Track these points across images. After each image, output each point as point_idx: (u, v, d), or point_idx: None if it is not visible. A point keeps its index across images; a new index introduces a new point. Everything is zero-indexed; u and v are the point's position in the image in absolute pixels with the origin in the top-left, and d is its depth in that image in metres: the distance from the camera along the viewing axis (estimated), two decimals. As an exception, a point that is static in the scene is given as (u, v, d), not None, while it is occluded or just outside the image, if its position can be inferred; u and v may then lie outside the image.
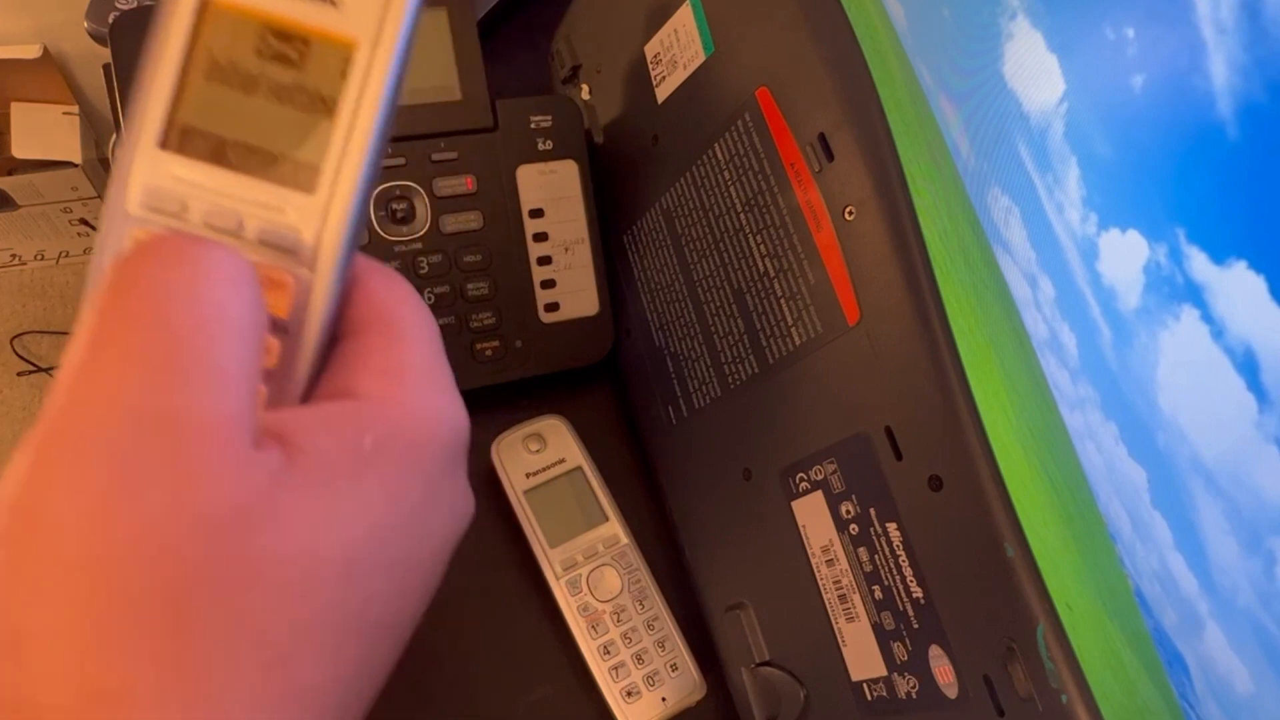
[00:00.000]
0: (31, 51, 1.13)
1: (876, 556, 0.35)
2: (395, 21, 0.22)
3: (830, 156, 0.34)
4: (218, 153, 0.22)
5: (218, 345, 0.18)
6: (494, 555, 0.48)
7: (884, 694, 0.35)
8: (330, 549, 0.19)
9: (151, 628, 0.16)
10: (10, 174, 1.22)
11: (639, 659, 0.46)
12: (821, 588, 0.38)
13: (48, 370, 1.34)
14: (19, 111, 1.20)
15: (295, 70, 0.22)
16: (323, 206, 0.22)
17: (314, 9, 0.21)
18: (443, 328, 0.47)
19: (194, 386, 0.18)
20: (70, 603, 0.16)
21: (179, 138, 0.22)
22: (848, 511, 0.36)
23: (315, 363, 0.23)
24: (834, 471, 0.36)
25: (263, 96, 0.22)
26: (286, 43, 0.22)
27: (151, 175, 0.22)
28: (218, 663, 0.17)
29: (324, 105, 0.22)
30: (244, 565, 0.17)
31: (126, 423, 0.17)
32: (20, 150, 1.19)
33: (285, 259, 0.22)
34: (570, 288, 0.49)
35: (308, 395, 0.22)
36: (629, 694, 0.45)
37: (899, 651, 0.34)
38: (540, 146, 0.49)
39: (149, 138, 0.22)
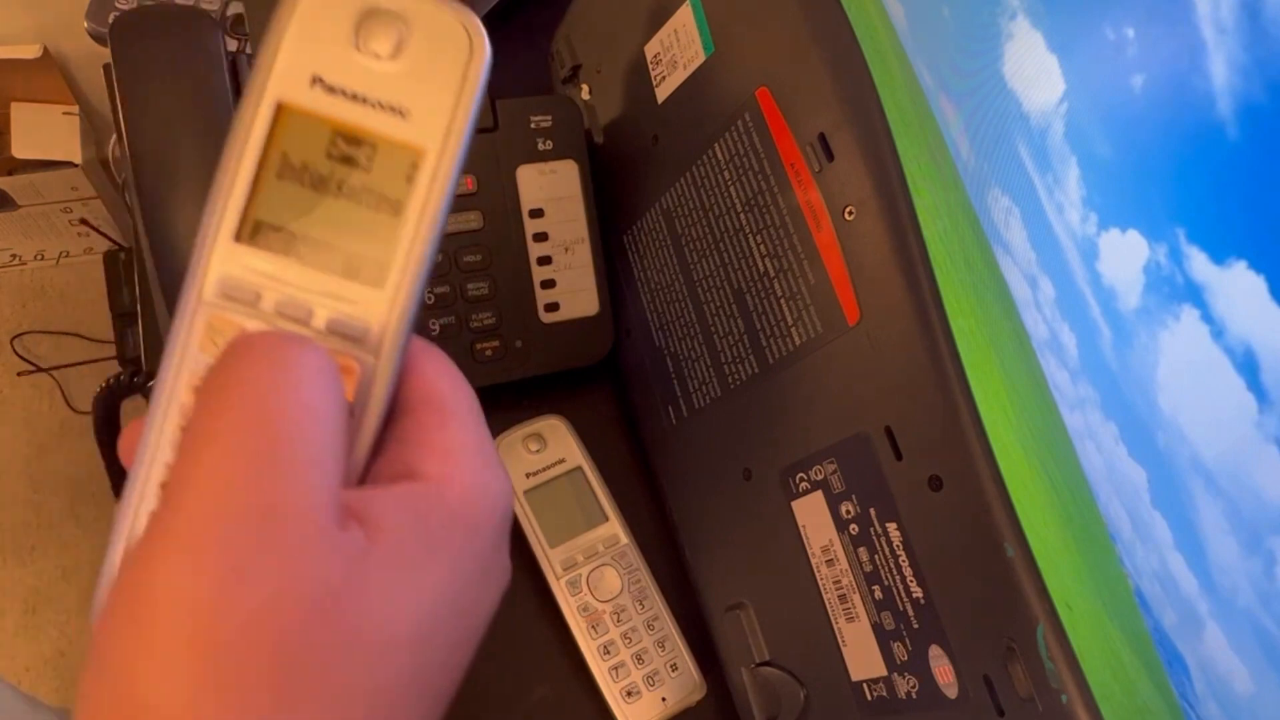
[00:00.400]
0: (31, 51, 1.13)
1: (876, 556, 0.35)
2: (459, 131, 0.23)
3: (830, 156, 0.34)
4: (289, 246, 0.23)
5: (311, 437, 0.20)
6: (494, 555, 0.48)
7: (884, 694, 0.35)
8: (406, 623, 0.21)
9: (261, 700, 0.19)
10: (10, 174, 1.22)
11: (639, 659, 0.46)
12: (821, 588, 0.38)
13: (48, 370, 1.34)
14: (19, 111, 1.20)
15: (363, 172, 0.23)
16: (390, 299, 0.23)
17: (385, 118, 0.23)
18: (442, 328, 0.47)
19: (293, 479, 0.20)
20: (190, 679, 0.18)
21: (253, 232, 0.23)
22: (848, 511, 0.36)
23: (375, 441, 0.24)
24: (834, 471, 0.36)
25: (332, 195, 0.23)
26: (356, 147, 0.23)
27: (227, 266, 0.23)
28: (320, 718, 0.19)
29: (390, 205, 0.24)
30: (337, 640, 0.19)
31: (235, 516, 0.19)
32: (20, 150, 1.19)
33: (351, 346, 0.24)
34: (570, 288, 0.49)
35: (366, 470, 0.24)
36: (629, 694, 0.45)
37: (899, 651, 0.34)
38: (540, 146, 0.49)
39: (226, 231, 0.23)
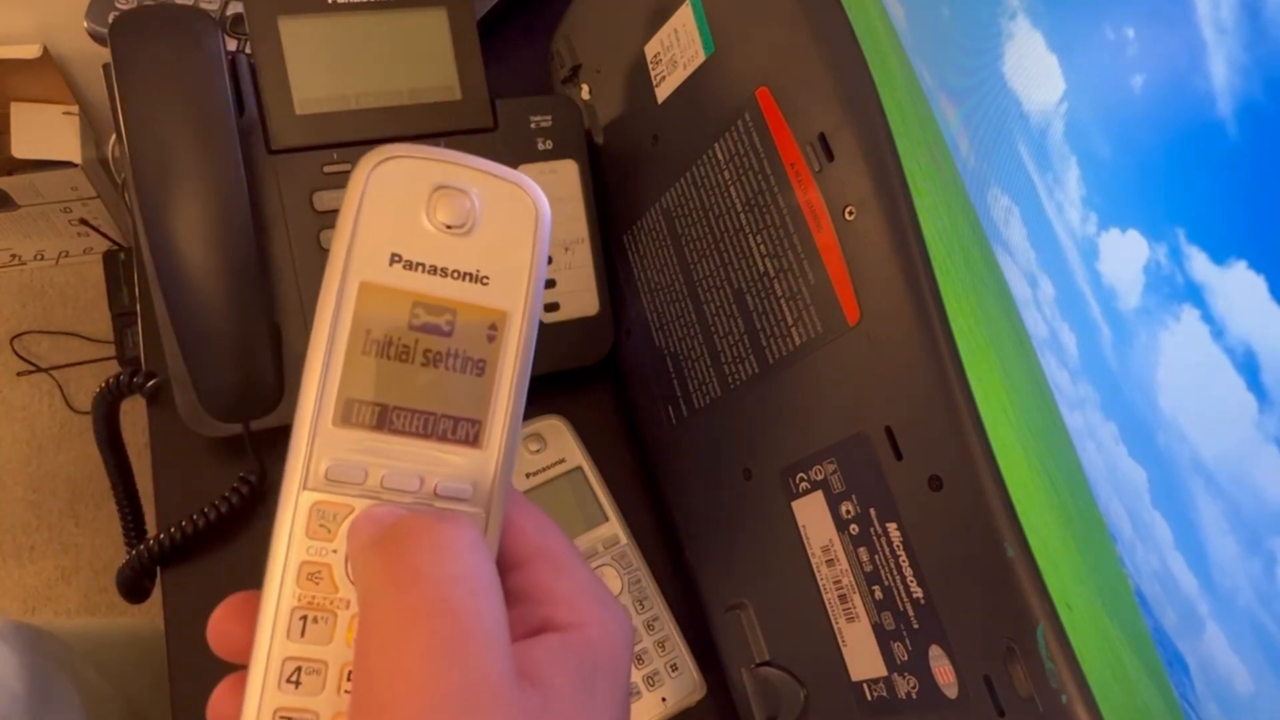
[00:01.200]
0: (31, 51, 1.13)
1: (876, 556, 0.35)
2: (536, 287, 0.25)
3: (830, 156, 0.34)
4: (386, 421, 0.24)
5: (485, 611, 0.22)
6: (494, 555, 0.48)
7: (884, 694, 0.35)
8: None
9: None
10: (10, 174, 1.22)
11: (638, 659, 0.46)
12: (821, 588, 0.38)
13: (48, 370, 1.34)
14: (19, 111, 1.20)
15: (449, 340, 0.24)
16: (491, 457, 0.25)
17: (465, 286, 0.24)
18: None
19: (481, 656, 0.21)
20: None
21: (350, 412, 0.24)
22: (848, 511, 0.36)
23: None
24: (834, 471, 0.36)
25: (421, 365, 0.24)
26: (439, 316, 0.24)
27: (333, 451, 0.24)
28: None
29: (477, 367, 0.25)
30: None
31: (441, 704, 0.21)
32: (20, 150, 1.19)
33: (461, 505, 0.25)
34: (570, 288, 0.49)
35: None
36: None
37: (899, 651, 0.34)
38: (540, 146, 0.49)
39: (326, 417, 0.24)
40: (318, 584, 0.24)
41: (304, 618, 0.24)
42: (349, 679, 0.24)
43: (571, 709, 0.22)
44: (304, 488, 0.24)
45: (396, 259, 0.24)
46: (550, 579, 0.25)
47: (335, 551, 0.24)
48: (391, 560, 0.22)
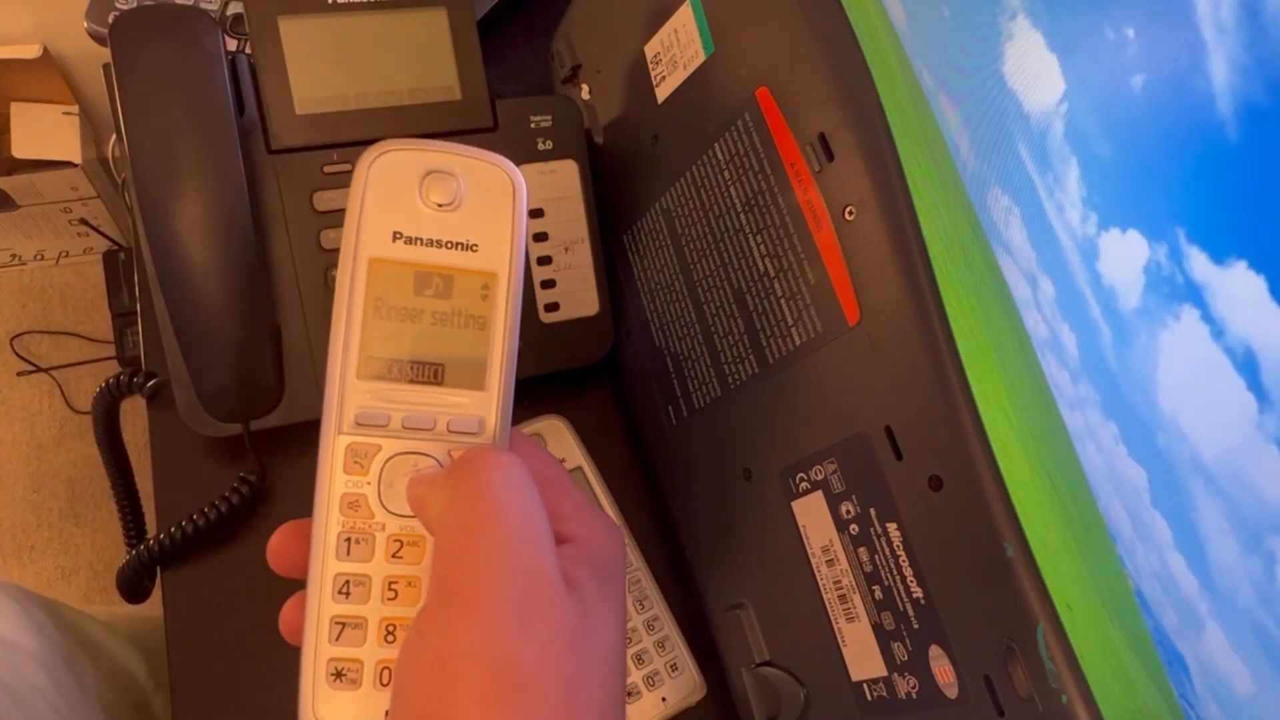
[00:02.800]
0: (31, 51, 1.13)
1: (876, 556, 0.35)
2: (519, 250, 0.29)
3: (830, 156, 0.34)
4: (402, 372, 0.29)
5: (538, 519, 0.27)
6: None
7: (884, 694, 0.35)
8: (615, 645, 0.27)
9: (551, 712, 0.24)
10: (10, 174, 1.22)
11: (639, 659, 0.46)
12: (821, 588, 0.38)
13: (48, 370, 1.34)
14: (19, 111, 1.20)
15: (448, 300, 0.29)
16: (493, 396, 0.29)
17: (459, 254, 0.29)
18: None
19: (539, 550, 0.26)
20: (503, 715, 0.24)
21: (370, 367, 0.28)
22: (848, 511, 0.36)
23: None
24: (834, 471, 0.36)
25: (426, 323, 0.29)
26: (439, 281, 0.29)
27: (359, 400, 0.28)
28: None
29: (475, 322, 0.29)
30: (588, 666, 0.26)
31: (514, 583, 0.25)
32: (20, 150, 1.19)
33: (471, 439, 0.29)
34: (570, 288, 0.49)
35: None
36: (629, 694, 0.45)
37: (899, 651, 0.34)
38: (540, 146, 0.49)
39: (351, 373, 0.28)
40: (357, 511, 0.28)
41: (348, 540, 0.28)
42: (390, 589, 0.28)
43: (597, 601, 0.27)
44: (339, 432, 0.28)
45: (398, 236, 0.28)
46: (554, 498, 0.29)
47: (369, 484, 0.28)
48: (459, 484, 0.27)
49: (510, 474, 0.27)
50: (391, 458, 0.28)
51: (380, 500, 0.28)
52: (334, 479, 0.28)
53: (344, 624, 0.28)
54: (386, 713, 0.27)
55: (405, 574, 0.28)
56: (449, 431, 0.29)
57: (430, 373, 0.29)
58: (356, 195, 0.28)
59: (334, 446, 0.28)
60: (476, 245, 0.29)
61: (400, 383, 0.28)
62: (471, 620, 0.24)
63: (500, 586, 0.25)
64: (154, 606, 0.48)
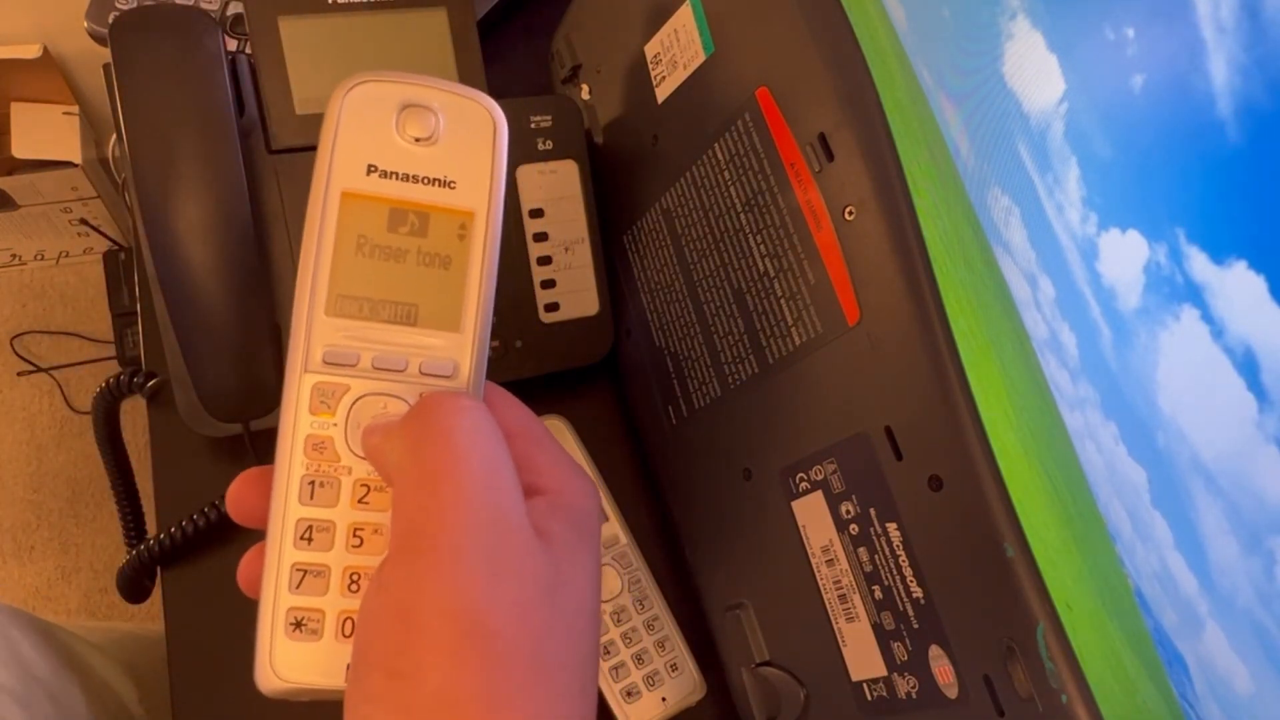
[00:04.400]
0: (31, 51, 1.13)
1: (876, 556, 0.35)
2: (498, 191, 0.28)
3: (830, 156, 0.34)
4: (374, 311, 0.27)
5: (504, 464, 0.25)
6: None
7: (884, 694, 0.35)
8: (589, 598, 0.26)
9: (522, 672, 0.23)
10: (10, 174, 1.22)
11: (639, 659, 0.46)
12: (821, 588, 0.38)
13: (48, 370, 1.34)
14: (19, 111, 1.20)
15: (424, 238, 0.28)
16: (467, 339, 0.28)
17: (435, 191, 0.27)
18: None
19: (507, 498, 0.25)
20: (475, 666, 0.23)
21: (341, 304, 0.27)
22: (848, 511, 0.36)
23: None
24: (834, 471, 0.36)
25: (400, 262, 0.27)
26: (414, 218, 0.27)
27: (326, 337, 0.27)
28: (560, 684, 0.24)
29: (450, 262, 0.28)
30: (560, 618, 0.24)
31: (482, 530, 0.24)
32: (20, 150, 1.19)
33: (444, 383, 0.28)
34: (570, 288, 0.49)
35: None
36: (629, 694, 0.45)
37: (899, 651, 0.34)
38: (540, 146, 0.49)
39: (319, 308, 0.27)
40: (322, 453, 0.27)
41: (312, 484, 0.27)
42: (355, 535, 0.27)
43: (571, 553, 0.26)
44: (305, 370, 0.27)
45: (373, 169, 0.27)
46: (531, 451, 0.28)
47: (335, 425, 0.27)
48: (418, 430, 0.25)
49: (472, 418, 0.25)
50: (360, 398, 0.27)
51: (347, 442, 0.27)
52: (299, 419, 0.27)
53: (305, 571, 0.26)
54: (348, 666, 0.26)
55: (371, 520, 0.27)
56: (420, 374, 0.28)
57: (403, 312, 0.27)
58: (330, 126, 0.27)
59: (299, 385, 0.27)
60: (454, 182, 0.27)
61: (371, 321, 0.27)
62: (438, 570, 0.23)
63: (467, 535, 0.23)
64: (147, 624, 0.48)
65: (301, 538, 0.26)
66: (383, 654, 0.23)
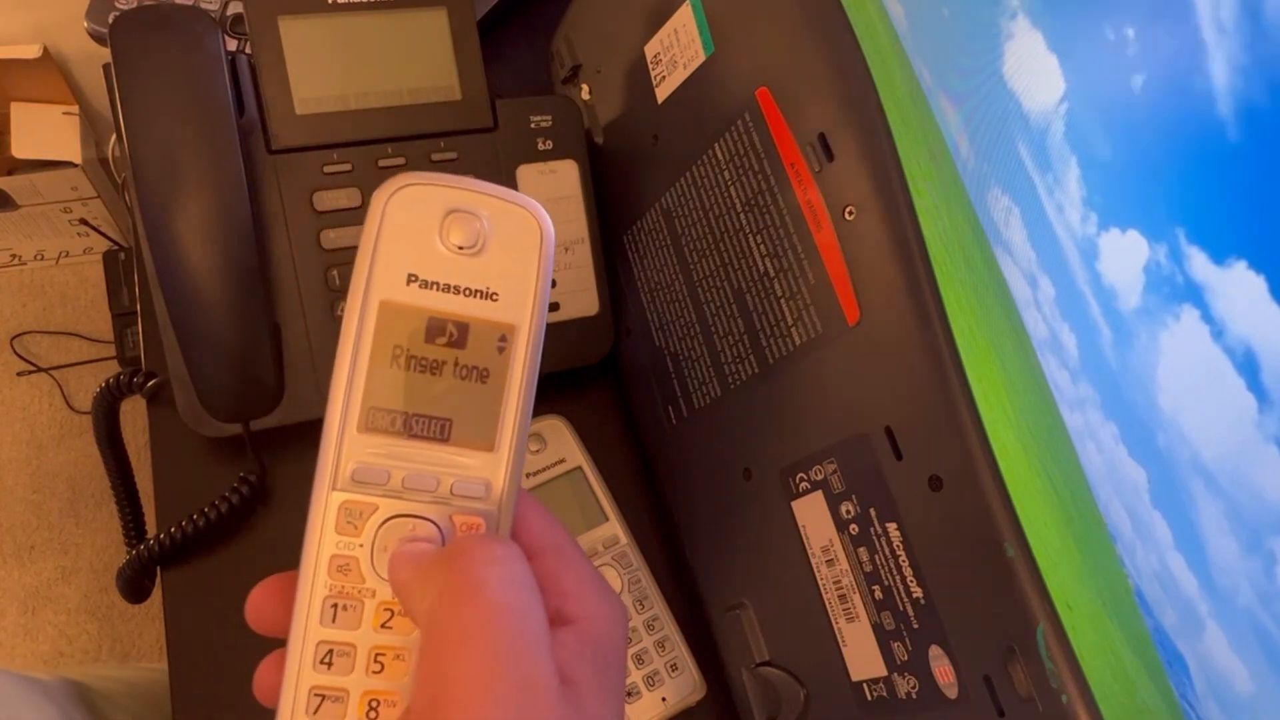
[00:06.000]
0: (31, 51, 1.13)
1: (876, 556, 0.35)
2: (542, 302, 0.27)
3: (830, 156, 0.34)
4: (407, 426, 0.26)
5: (534, 616, 0.25)
6: (494, 555, 0.48)
7: (884, 694, 0.35)
8: None
9: None
10: (10, 174, 1.22)
11: (638, 659, 0.46)
12: (821, 588, 0.38)
13: (48, 370, 1.34)
14: (19, 111, 1.20)
15: (462, 352, 0.27)
16: (503, 459, 0.27)
17: (477, 302, 0.26)
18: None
19: (534, 655, 0.24)
20: None
21: (373, 419, 0.26)
22: (848, 511, 0.36)
23: None
24: (834, 471, 0.36)
25: (436, 375, 0.27)
26: (453, 331, 0.27)
27: (357, 455, 0.26)
28: None
29: (487, 375, 0.27)
30: None
31: (508, 697, 0.23)
32: (20, 150, 1.19)
33: (474, 504, 0.27)
34: (570, 288, 0.49)
35: None
36: (629, 694, 0.45)
37: (899, 651, 0.34)
38: (540, 146, 0.49)
39: (352, 424, 0.26)
40: (346, 575, 0.26)
41: (334, 605, 0.26)
42: (375, 661, 0.26)
43: (596, 701, 0.25)
44: (333, 488, 0.26)
45: (413, 279, 0.26)
46: (559, 571, 0.27)
47: (362, 546, 0.26)
48: (450, 578, 0.24)
49: (507, 570, 0.25)
50: (388, 519, 0.26)
51: (373, 565, 0.26)
52: (324, 538, 0.26)
53: (324, 696, 0.26)
54: None
55: (394, 645, 0.26)
56: (452, 494, 0.27)
57: (436, 428, 0.27)
58: (371, 230, 0.26)
59: (326, 503, 0.26)
60: (497, 294, 0.26)
61: (403, 438, 0.26)
62: None
63: (494, 702, 0.23)
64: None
65: (321, 661, 0.26)
66: None
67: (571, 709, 0.24)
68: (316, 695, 0.26)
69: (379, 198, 0.26)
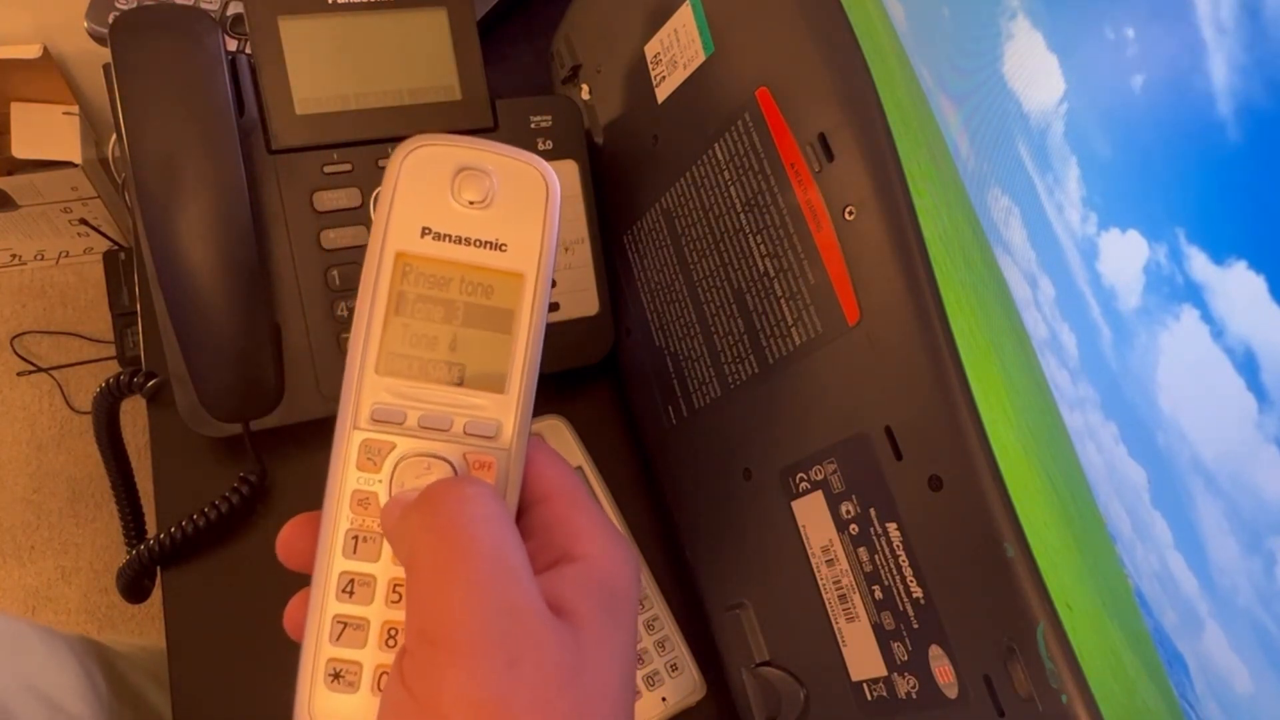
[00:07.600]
0: (31, 51, 1.13)
1: (876, 556, 0.35)
2: (549, 255, 0.29)
3: (830, 156, 0.34)
4: (422, 370, 0.28)
5: (513, 549, 0.25)
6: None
7: (884, 694, 0.35)
8: (615, 680, 0.26)
9: None
10: (10, 174, 1.22)
11: (639, 659, 0.46)
12: (821, 588, 0.38)
13: (48, 370, 1.34)
14: (19, 111, 1.20)
15: (474, 299, 0.28)
16: (512, 400, 0.29)
17: (487, 253, 0.28)
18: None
19: (518, 585, 0.25)
20: None
21: (390, 362, 0.28)
22: (848, 511, 0.36)
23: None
24: (834, 471, 0.36)
25: (450, 322, 0.28)
26: (466, 280, 0.28)
27: (375, 395, 0.28)
28: None
29: (500, 323, 0.28)
30: (581, 705, 0.24)
31: (496, 622, 0.24)
32: (20, 150, 1.19)
33: (487, 444, 0.28)
34: (570, 288, 0.49)
35: None
36: (629, 694, 0.45)
37: (899, 651, 0.34)
38: (540, 146, 0.49)
39: (369, 367, 0.28)
40: (367, 509, 0.28)
41: (355, 538, 0.28)
42: (394, 591, 0.28)
43: (598, 632, 0.25)
44: (354, 427, 0.28)
45: (427, 231, 0.28)
46: (568, 513, 0.28)
47: (380, 482, 0.28)
48: (426, 518, 0.25)
49: (479, 506, 0.26)
50: (405, 457, 0.28)
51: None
52: (346, 474, 0.28)
53: (345, 624, 0.27)
54: None
55: None
56: (465, 434, 0.28)
57: (450, 372, 0.28)
58: (389, 187, 0.28)
59: (348, 441, 0.28)
60: (505, 245, 0.28)
61: (419, 380, 0.28)
62: (455, 663, 0.23)
63: (481, 626, 0.24)
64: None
65: (344, 590, 0.27)
66: None
67: (568, 637, 0.25)
68: (339, 623, 0.27)
69: (396, 157, 0.28)
